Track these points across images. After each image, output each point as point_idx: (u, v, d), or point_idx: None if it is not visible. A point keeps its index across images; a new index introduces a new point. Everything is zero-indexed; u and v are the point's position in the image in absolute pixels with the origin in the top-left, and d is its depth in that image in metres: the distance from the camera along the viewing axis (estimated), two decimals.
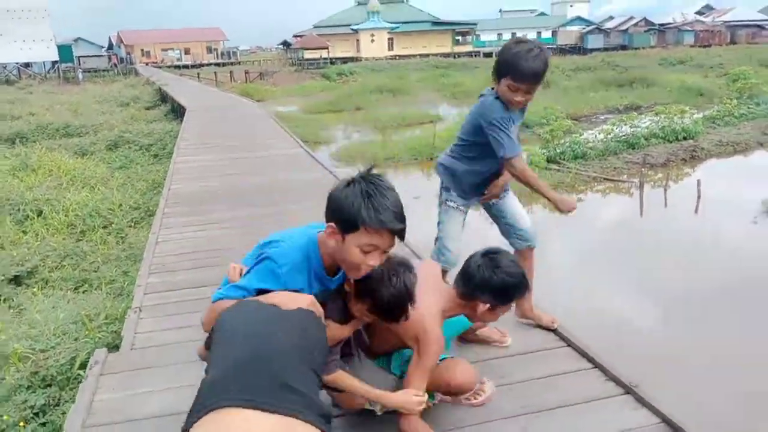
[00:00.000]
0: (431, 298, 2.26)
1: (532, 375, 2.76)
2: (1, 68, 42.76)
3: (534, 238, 3.18)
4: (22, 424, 3.23)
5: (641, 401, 2.51)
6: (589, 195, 9.44)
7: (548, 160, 10.49)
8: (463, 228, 3.23)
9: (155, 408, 2.63)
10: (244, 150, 9.62)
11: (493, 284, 2.22)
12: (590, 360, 2.86)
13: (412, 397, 2.14)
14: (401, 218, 1.86)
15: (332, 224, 1.87)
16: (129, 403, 2.69)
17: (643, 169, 9.76)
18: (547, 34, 63.71)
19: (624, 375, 2.67)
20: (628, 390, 2.59)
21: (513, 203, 3.20)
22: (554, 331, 3.13)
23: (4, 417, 3.27)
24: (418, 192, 9.43)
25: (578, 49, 57.54)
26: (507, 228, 3.21)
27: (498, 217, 3.23)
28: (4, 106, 18.17)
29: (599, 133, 12.22)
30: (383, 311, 2.07)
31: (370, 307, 2.07)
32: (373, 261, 1.89)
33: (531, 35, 65.07)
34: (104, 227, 7.02)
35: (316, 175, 7.45)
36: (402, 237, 1.89)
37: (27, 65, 44.39)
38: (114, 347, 3.56)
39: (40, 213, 7.29)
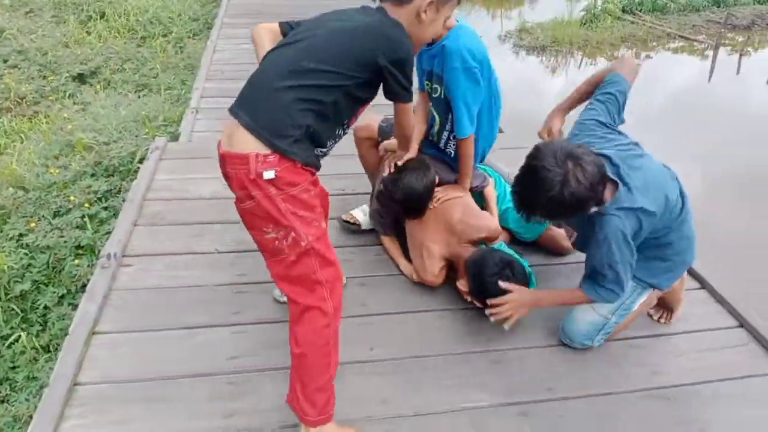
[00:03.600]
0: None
1: None
2: None
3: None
4: (87, 205, 3.53)
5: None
6: (660, 53, 8.92)
7: (623, 10, 9.81)
8: None
9: (203, 191, 2.92)
10: None
11: None
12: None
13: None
14: None
15: None
16: (182, 184, 3.00)
17: (722, 30, 9.08)
18: None
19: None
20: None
21: None
22: None
23: (71, 198, 3.56)
24: (480, 32, 9.07)
25: None
26: None
27: None
28: None
29: None
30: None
31: None
32: None
33: None
34: (164, 35, 7.04)
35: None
36: None
37: None
38: (173, 141, 3.78)
39: (102, 15, 7.31)
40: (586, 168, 1.82)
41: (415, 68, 1.85)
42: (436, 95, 2.46)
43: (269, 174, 1.56)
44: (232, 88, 4.49)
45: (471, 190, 2.62)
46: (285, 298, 2.18)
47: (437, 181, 2.49)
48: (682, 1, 10.32)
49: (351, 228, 2.84)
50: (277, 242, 1.64)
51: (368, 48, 1.64)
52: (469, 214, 2.46)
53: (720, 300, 2.51)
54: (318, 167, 1.71)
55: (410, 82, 1.73)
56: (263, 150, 1.57)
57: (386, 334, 2.27)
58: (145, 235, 2.67)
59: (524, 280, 2.22)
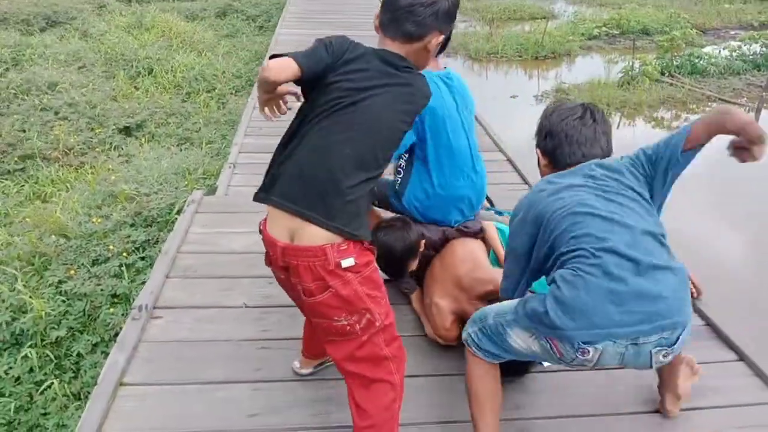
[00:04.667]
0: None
1: None
2: None
3: None
4: (125, 254, 3.63)
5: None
6: (701, 115, 8.86)
7: (661, 72, 9.82)
8: None
9: (235, 245, 3.00)
10: (346, 27, 9.57)
11: None
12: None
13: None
14: None
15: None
16: (215, 238, 3.08)
17: (764, 94, 8.99)
18: None
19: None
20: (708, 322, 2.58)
21: None
22: None
23: (110, 247, 3.67)
24: (516, 91, 9.17)
25: None
26: None
27: None
28: None
29: (724, 49, 11.23)
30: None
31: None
32: None
33: None
34: (208, 91, 7.33)
35: None
36: None
37: None
38: (210, 194, 3.89)
39: (150, 71, 7.66)
40: None
41: None
42: None
43: (348, 262, 1.57)
44: (269, 144, 4.59)
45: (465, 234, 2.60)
46: (304, 370, 2.26)
47: (422, 242, 2.49)
48: (721, 65, 10.29)
49: None
50: (348, 327, 1.63)
51: (405, 121, 1.72)
52: (477, 267, 2.44)
53: (759, 374, 2.40)
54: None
55: None
56: (336, 239, 1.57)
57: (411, 398, 2.23)
58: (177, 287, 2.73)
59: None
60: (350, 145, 1.60)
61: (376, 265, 1.68)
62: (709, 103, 9.13)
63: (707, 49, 11.21)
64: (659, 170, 1.85)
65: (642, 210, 1.76)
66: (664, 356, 1.64)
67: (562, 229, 1.68)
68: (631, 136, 8.04)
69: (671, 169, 1.85)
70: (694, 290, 2.68)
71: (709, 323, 2.48)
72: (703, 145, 1.85)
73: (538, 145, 2.02)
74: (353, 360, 1.69)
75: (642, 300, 1.57)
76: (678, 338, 1.62)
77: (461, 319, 2.39)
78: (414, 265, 2.52)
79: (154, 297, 2.59)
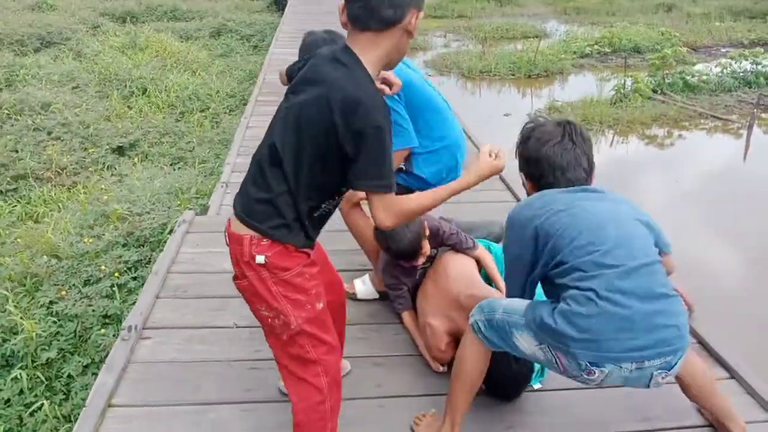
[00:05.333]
0: None
1: None
2: None
3: None
4: (117, 274, 3.61)
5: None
6: (693, 132, 8.93)
7: (653, 90, 9.91)
8: None
9: (226, 265, 2.92)
10: None
11: None
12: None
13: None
14: None
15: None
16: (206, 258, 3.08)
17: (755, 111, 9.07)
18: None
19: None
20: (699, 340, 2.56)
21: None
22: None
23: (102, 267, 3.66)
24: (509, 109, 9.23)
25: None
26: None
27: None
28: None
29: (715, 67, 11.34)
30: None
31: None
32: None
33: None
34: (201, 111, 7.36)
35: None
36: None
37: None
38: (202, 214, 3.88)
39: (144, 91, 7.69)
40: None
41: None
42: None
43: (260, 258, 1.61)
44: None
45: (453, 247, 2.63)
46: None
47: (425, 224, 2.48)
48: (713, 82, 10.39)
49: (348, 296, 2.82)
50: (270, 320, 1.69)
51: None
52: (473, 284, 2.44)
53: (751, 392, 2.40)
54: (312, 248, 1.73)
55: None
56: (256, 234, 1.63)
57: (402, 417, 2.22)
58: (167, 307, 2.72)
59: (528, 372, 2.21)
60: (268, 147, 1.64)
61: (305, 270, 1.67)
62: (701, 120, 9.21)
63: (698, 67, 11.31)
64: None
65: (643, 235, 1.81)
66: (662, 378, 1.71)
67: (573, 245, 1.73)
68: (625, 153, 8.09)
69: None
70: (686, 306, 2.67)
71: (700, 341, 2.48)
72: None
73: (521, 170, 2.03)
74: (285, 355, 1.74)
75: (649, 328, 1.65)
76: (677, 362, 1.70)
77: (456, 340, 2.36)
78: (427, 246, 2.50)
79: (143, 317, 2.58)
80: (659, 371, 1.69)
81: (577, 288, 1.68)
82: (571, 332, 1.64)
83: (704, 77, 10.46)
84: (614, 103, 9.31)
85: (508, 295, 1.98)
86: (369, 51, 1.58)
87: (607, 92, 9.86)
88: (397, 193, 1.62)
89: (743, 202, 6.22)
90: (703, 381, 2.07)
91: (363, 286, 2.92)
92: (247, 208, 1.65)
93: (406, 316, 2.68)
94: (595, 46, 13.32)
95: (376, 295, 2.91)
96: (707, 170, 7.56)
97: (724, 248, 5.27)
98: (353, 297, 2.87)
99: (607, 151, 8.01)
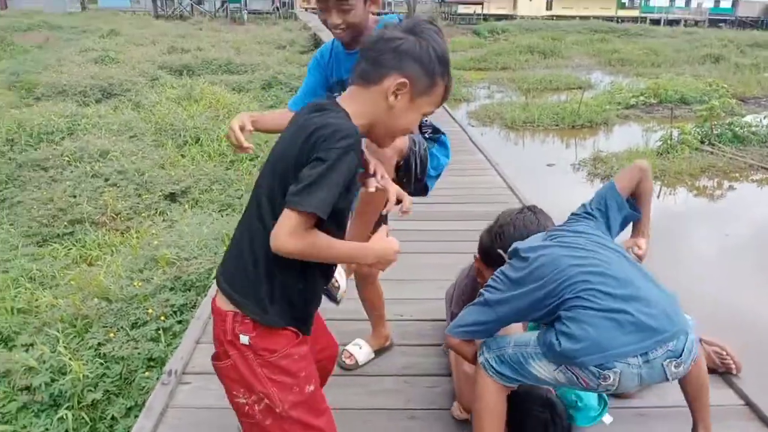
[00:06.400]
0: None
1: None
2: (177, 3, 46.12)
3: None
4: (163, 318, 3.71)
5: (728, 382, 2.44)
6: (743, 183, 8.73)
7: (701, 141, 9.77)
8: None
9: None
10: None
11: None
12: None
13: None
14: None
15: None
16: None
17: None
18: (726, 4, 57.82)
19: None
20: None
21: None
22: (722, 375, 2.61)
23: (149, 310, 3.77)
24: (553, 159, 9.23)
25: (761, 23, 51.79)
26: None
27: None
28: (176, 41, 19.69)
29: (766, 118, 11.15)
30: None
31: None
32: (331, 19, 2.05)
33: (707, 4, 59.30)
34: (251, 159, 7.58)
35: (446, 130, 7.54)
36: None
37: (199, 2, 47.40)
38: None
39: (197, 140, 8.00)
40: None
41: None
42: None
43: (244, 339, 1.49)
44: None
45: None
46: None
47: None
48: (763, 133, 10.19)
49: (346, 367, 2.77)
50: (248, 408, 1.53)
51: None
52: (508, 330, 2.41)
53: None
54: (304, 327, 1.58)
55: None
56: (240, 310, 1.50)
57: None
58: (208, 353, 2.75)
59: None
60: (250, 202, 1.52)
61: (293, 351, 1.53)
62: (752, 172, 9.01)
63: (748, 118, 11.15)
64: (610, 214, 2.09)
65: (610, 249, 1.93)
66: (676, 367, 1.77)
67: (564, 286, 1.83)
68: (673, 204, 7.95)
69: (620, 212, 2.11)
70: (732, 365, 2.60)
71: (747, 402, 2.39)
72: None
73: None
74: None
75: (640, 321, 1.74)
76: (684, 348, 1.76)
77: None
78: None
79: (183, 362, 2.64)
80: (668, 360, 1.75)
81: (570, 308, 1.79)
82: (574, 345, 1.75)
83: (754, 128, 10.29)
84: (661, 154, 9.21)
85: (461, 324, 2.01)
86: (349, 103, 1.49)
87: (653, 143, 9.77)
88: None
89: None
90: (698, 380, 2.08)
91: (360, 350, 2.79)
92: (230, 279, 1.52)
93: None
94: (641, 97, 13.27)
95: (373, 355, 2.82)
96: (759, 223, 7.35)
97: None
98: (352, 367, 2.75)
99: (654, 202, 7.85)
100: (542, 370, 1.87)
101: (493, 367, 1.97)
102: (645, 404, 2.46)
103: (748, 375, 2.51)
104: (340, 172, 1.35)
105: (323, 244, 1.40)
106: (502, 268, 2.00)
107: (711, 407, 2.02)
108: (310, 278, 1.53)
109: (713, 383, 2.16)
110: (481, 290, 2.01)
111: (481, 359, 2.01)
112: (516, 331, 2.12)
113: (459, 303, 2.67)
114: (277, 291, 1.48)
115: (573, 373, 1.80)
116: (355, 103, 1.48)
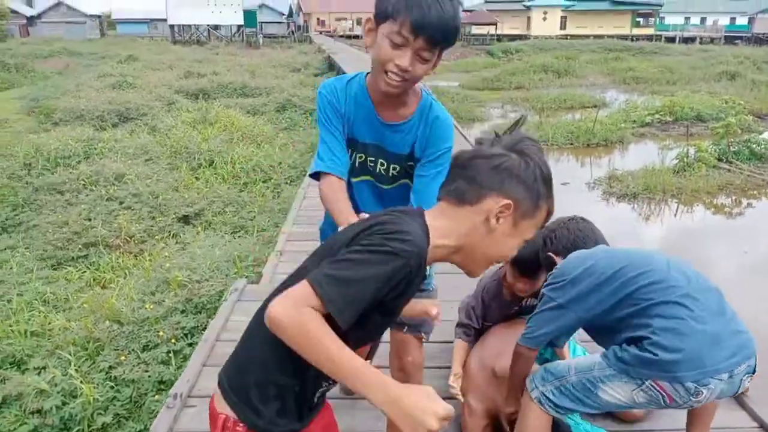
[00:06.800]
0: None
1: None
2: (194, 29, 46.99)
3: None
4: (173, 340, 3.71)
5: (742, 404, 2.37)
6: (762, 200, 8.62)
7: (718, 158, 9.67)
8: None
9: None
10: None
11: None
12: None
13: None
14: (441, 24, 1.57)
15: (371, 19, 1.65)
16: None
17: None
18: (742, 21, 57.71)
19: None
20: None
21: None
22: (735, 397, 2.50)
23: (160, 333, 3.76)
24: (567, 178, 9.17)
25: None
26: None
27: None
28: (193, 65, 20.02)
29: None
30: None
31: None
32: (401, 60, 1.62)
33: (723, 21, 59.18)
34: (264, 181, 7.65)
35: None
36: (434, 42, 1.60)
37: (216, 28, 48.25)
38: (255, 282, 3.98)
39: (211, 163, 8.08)
40: None
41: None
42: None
43: None
44: (316, 232, 4.72)
45: None
46: None
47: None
48: None
49: None
50: None
51: None
52: (506, 354, 2.36)
53: None
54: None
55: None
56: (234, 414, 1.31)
57: None
58: (214, 376, 2.73)
59: None
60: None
61: None
62: None
63: (765, 135, 11.02)
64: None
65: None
66: (748, 382, 1.80)
67: (642, 285, 1.79)
68: (690, 222, 7.85)
69: None
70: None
71: (762, 425, 2.31)
72: None
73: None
74: None
75: (730, 337, 1.74)
76: (756, 363, 1.79)
77: (493, 424, 2.32)
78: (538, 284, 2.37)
79: (189, 385, 2.62)
80: (746, 375, 1.76)
81: (662, 316, 1.73)
82: (674, 356, 1.68)
83: None
84: (677, 172, 9.12)
85: (536, 333, 1.94)
86: (438, 218, 1.29)
87: (670, 161, 9.68)
88: None
89: None
90: None
91: None
92: (228, 375, 1.34)
93: (460, 343, 2.64)
94: (656, 115, 13.20)
95: None
96: None
97: None
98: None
99: (671, 221, 7.80)
100: (617, 392, 1.79)
101: (550, 401, 1.89)
102: (657, 426, 2.39)
103: (763, 396, 2.44)
104: (382, 271, 1.13)
105: (318, 334, 1.09)
106: (555, 272, 1.96)
107: (724, 429, 1.97)
108: (309, 380, 1.30)
109: (727, 405, 2.10)
110: (544, 298, 1.94)
111: (535, 393, 1.94)
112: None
113: (477, 297, 2.65)
114: (272, 391, 1.28)
115: (659, 390, 1.72)
116: (446, 220, 1.28)
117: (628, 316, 1.78)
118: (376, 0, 1.61)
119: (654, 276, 1.78)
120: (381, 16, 1.60)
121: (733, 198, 8.56)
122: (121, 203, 6.31)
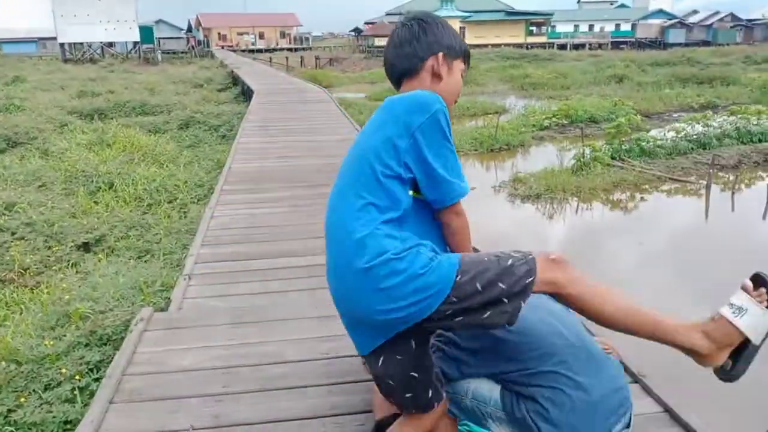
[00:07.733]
0: None
1: None
2: (87, 47, 44.90)
3: None
4: (78, 377, 3.49)
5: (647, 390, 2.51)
6: (654, 194, 9.19)
7: (612, 157, 10.24)
8: None
9: (186, 362, 2.87)
10: (304, 133, 9.87)
11: None
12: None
13: None
14: None
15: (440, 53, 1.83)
16: (165, 357, 2.95)
17: (711, 171, 9.40)
18: (626, 27, 61.78)
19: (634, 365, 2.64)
20: (635, 379, 2.59)
21: None
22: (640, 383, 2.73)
23: (63, 370, 3.54)
24: (474, 183, 9.41)
25: (658, 43, 55.46)
26: None
27: None
28: (87, 84, 19.13)
29: (669, 131, 11.83)
30: None
31: None
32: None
33: (609, 28, 63.07)
34: (169, 202, 7.37)
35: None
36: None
37: (110, 45, 46.36)
38: (163, 309, 3.81)
39: (111, 185, 7.71)
40: None
41: None
42: None
43: None
44: (226, 252, 4.62)
45: None
46: None
47: None
48: (668, 146, 10.79)
49: None
50: None
51: None
52: None
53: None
54: None
55: None
56: None
57: None
58: (122, 413, 2.59)
59: None
60: None
61: None
62: (661, 183, 9.49)
63: (653, 133, 11.79)
64: None
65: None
66: None
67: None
68: (590, 218, 8.25)
69: None
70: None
71: (667, 409, 2.43)
72: None
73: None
74: None
75: (606, 400, 1.82)
76: (631, 416, 1.88)
77: None
78: None
79: (94, 426, 2.46)
80: (624, 430, 1.87)
81: (542, 384, 1.80)
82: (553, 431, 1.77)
83: (659, 142, 10.88)
84: (575, 172, 9.58)
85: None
86: None
87: (568, 162, 10.15)
88: None
89: (713, 257, 6.36)
90: None
91: None
92: None
93: None
94: (553, 119, 13.82)
95: None
96: (670, 230, 7.73)
97: (697, 306, 5.32)
98: None
99: (573, 218, 8.16)
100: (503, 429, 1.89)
101: (451, 412, 1.96)
102: None
103: (666, 382, 2.57)
104: None
105: None
106: None
107: (633, 416, 2.05)
108: None
109: (632, 392, 2.19)
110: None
111: None
112: None
113: None
114: None
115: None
116: None
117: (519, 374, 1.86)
118: (442, 37, 1.82)
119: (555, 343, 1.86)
120: (453, 54, 1.84)
121: (628, 193, 9.08)
122: (12, 234, 5.90)
